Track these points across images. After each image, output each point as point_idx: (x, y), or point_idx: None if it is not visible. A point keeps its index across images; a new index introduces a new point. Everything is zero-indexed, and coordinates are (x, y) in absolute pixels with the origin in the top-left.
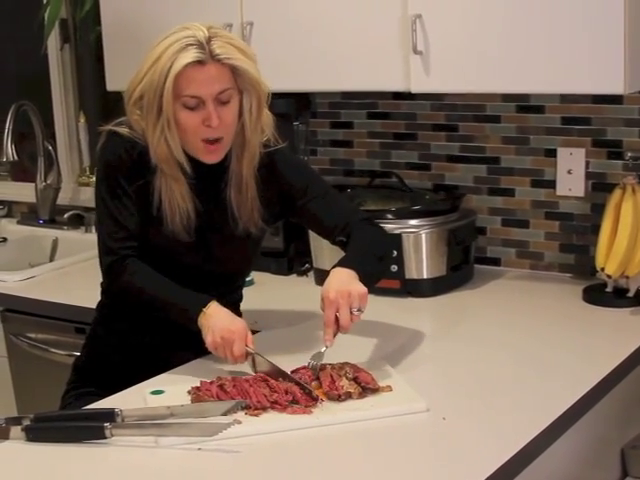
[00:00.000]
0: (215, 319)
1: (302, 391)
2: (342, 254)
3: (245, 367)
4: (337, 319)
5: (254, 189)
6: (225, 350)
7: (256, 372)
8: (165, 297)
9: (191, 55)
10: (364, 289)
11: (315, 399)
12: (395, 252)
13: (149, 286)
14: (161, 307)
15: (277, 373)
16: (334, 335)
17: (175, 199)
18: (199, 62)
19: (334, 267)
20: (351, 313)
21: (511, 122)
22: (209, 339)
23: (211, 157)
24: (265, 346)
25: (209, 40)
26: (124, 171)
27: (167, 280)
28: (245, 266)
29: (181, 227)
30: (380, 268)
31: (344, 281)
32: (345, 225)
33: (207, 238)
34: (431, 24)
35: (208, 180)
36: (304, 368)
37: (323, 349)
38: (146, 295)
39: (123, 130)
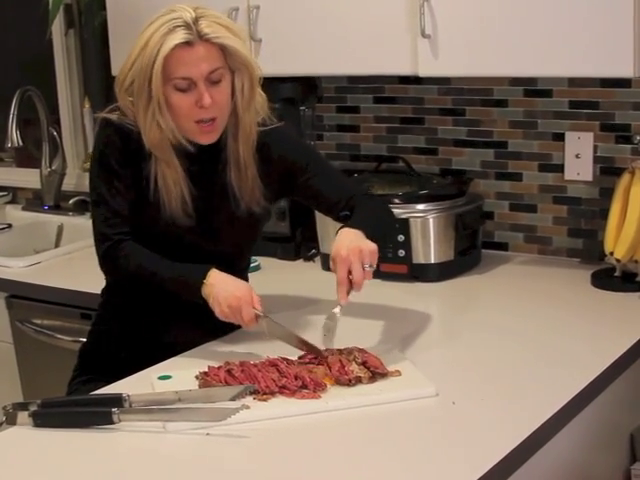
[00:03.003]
0: (218, 288)
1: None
2: None
3: (257, 349)
4: (349, 278)
5: (254, 168)
6: (235, 317)
7: (269, 335)
8: (164, 274)
9: (179, 36)
10: (374, 245)
11: (324, 357)
12: (400, 232)
13: (146, 266)
14: (162, 284)
15: (290, 337)
16: (347, 293)
17: (168, 184)
18: (187, 43)
19: (340, 229)
20: (363, 270)
21: (519, 106)
22: (217, 310)
23: (206, 138)
24: None
25: (196, 20)
26: (118, 157)
27: (163, 258)
28: (248, 247)
29: (179, 211)
30: (385, 233)
31: (353, 239)
32: (348, 199)
33: (208, 221)
34: (439, 7)
35: (205, 163)
36: (309, 354)
37: (337, 309)
38: (145, 275)
39: (116, 116)
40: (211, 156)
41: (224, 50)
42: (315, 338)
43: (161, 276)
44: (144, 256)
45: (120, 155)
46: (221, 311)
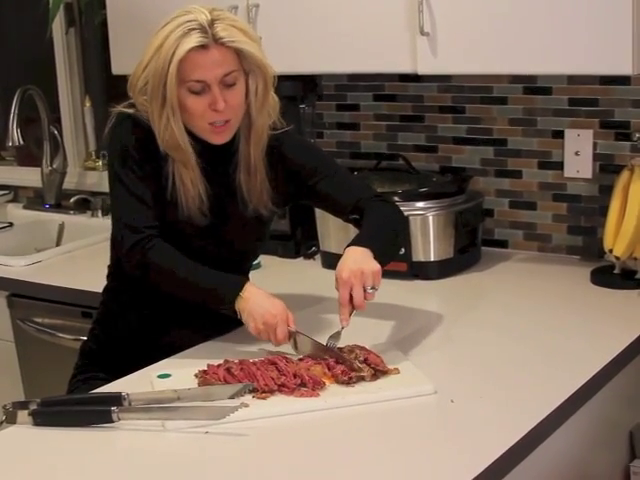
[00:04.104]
0: (253, 303)
1: (342, 368)
2: (352, 235)
3: (256, 347)
4: (352, 298)
5: (263, 171)
6: (269, 334)
7: (297, 351)
8: (195, 280)
9: (194, 40)
10: (377, 267)
11: (354, 369)
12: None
13: (178, 268)
14: (191, 291)
15: (320, 350)
16: (350, 315)
17: (186, 184)
18: (202, 46)
19: (348, 246)
20: (365, 291)
21: (518, 104)
22: (251, 325)
23: (218, 138)
24: None
25: (212, 23)
26: (140, 151)
27: (196, 263)
28: (255, 249)
29: (196, 211)
30: (395, 244)
31: (357, 260)
32: (357, 202)
33: (217, 222)
34: (438, 5)
35: (217, 164)
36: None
37: (340, 329)
38: (174, 278)
39: (135, 112)
40: (224, 157)
41: (239, 54)
42: (317, 335)
43: (192, 283)
44: (175, 257)
45: (142, 149)
46: (256, 327)
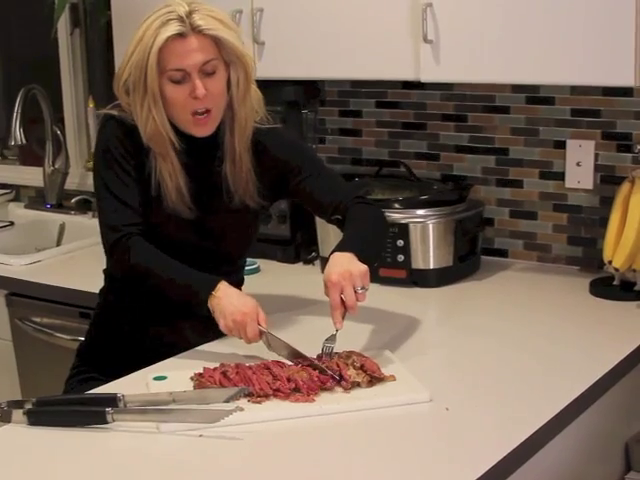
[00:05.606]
0: (225, 301)
1: (317, 374)
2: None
3: (253, 351)
4: (343, 301)
5: (248, 162)
6: (239, 332)
7: (271, 349)
8: (171, 279)
9: (172, 29)
10: (364, 267)
11: (333, 378)
12: (399, 237)
13: (155, 267)
14: (167, 289)
15: (292, 354)
16: (342, 317)
17: (165, 178)
18: (180, 35)
19: (333, 252)
20: (355, 292)
21: (520, 113)
22: (221, 323)
23: (201, 130)
24: None
25: (190, 14)
26: (122, 151)
27: (173, 261)
28: (244, 245)
29: (180, 205)
30: (378, 248)
31: (344, 263)
32: (339, 204)
33: (202, 215)
34: (442, 13)
35: (202, 158)
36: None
37: (334, 332)
38: (152, 276)
39: (119, 112)
40: (209, 151)
41: (218, 42)
42: (315, 340)
43: (168, 280)
44: (154, 256)
45: (124, 149)
46: (225, 325)
